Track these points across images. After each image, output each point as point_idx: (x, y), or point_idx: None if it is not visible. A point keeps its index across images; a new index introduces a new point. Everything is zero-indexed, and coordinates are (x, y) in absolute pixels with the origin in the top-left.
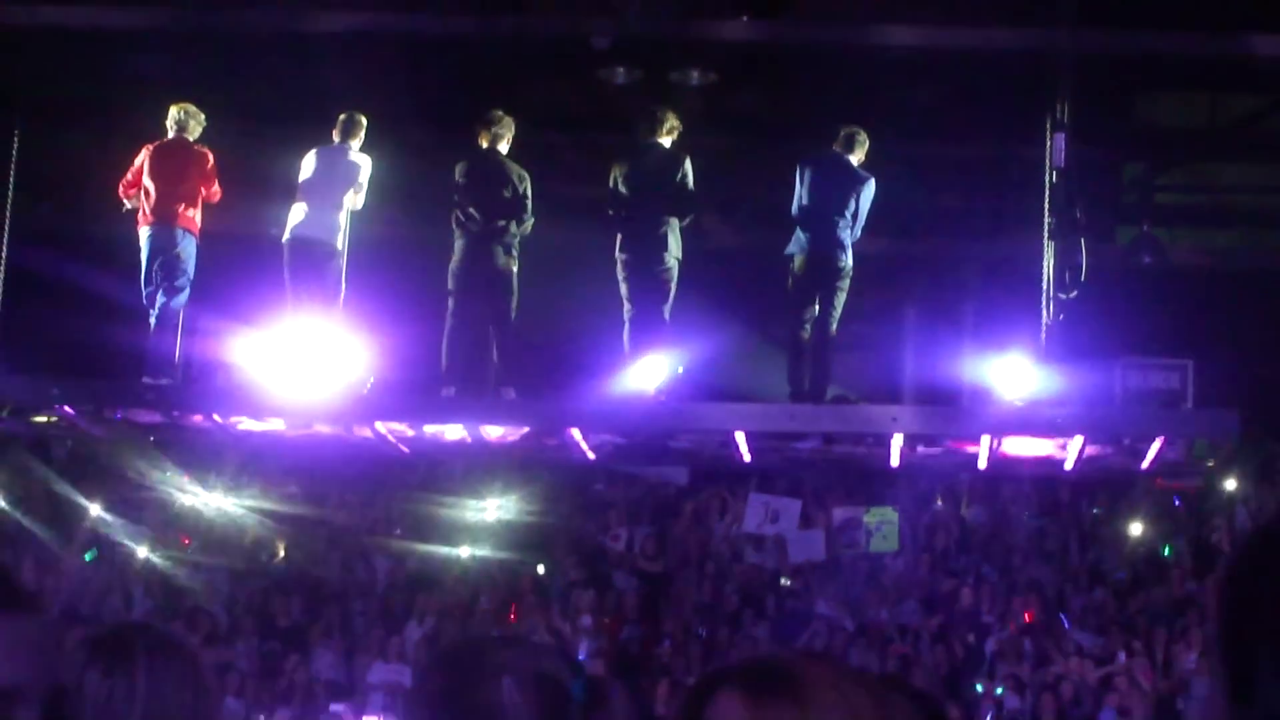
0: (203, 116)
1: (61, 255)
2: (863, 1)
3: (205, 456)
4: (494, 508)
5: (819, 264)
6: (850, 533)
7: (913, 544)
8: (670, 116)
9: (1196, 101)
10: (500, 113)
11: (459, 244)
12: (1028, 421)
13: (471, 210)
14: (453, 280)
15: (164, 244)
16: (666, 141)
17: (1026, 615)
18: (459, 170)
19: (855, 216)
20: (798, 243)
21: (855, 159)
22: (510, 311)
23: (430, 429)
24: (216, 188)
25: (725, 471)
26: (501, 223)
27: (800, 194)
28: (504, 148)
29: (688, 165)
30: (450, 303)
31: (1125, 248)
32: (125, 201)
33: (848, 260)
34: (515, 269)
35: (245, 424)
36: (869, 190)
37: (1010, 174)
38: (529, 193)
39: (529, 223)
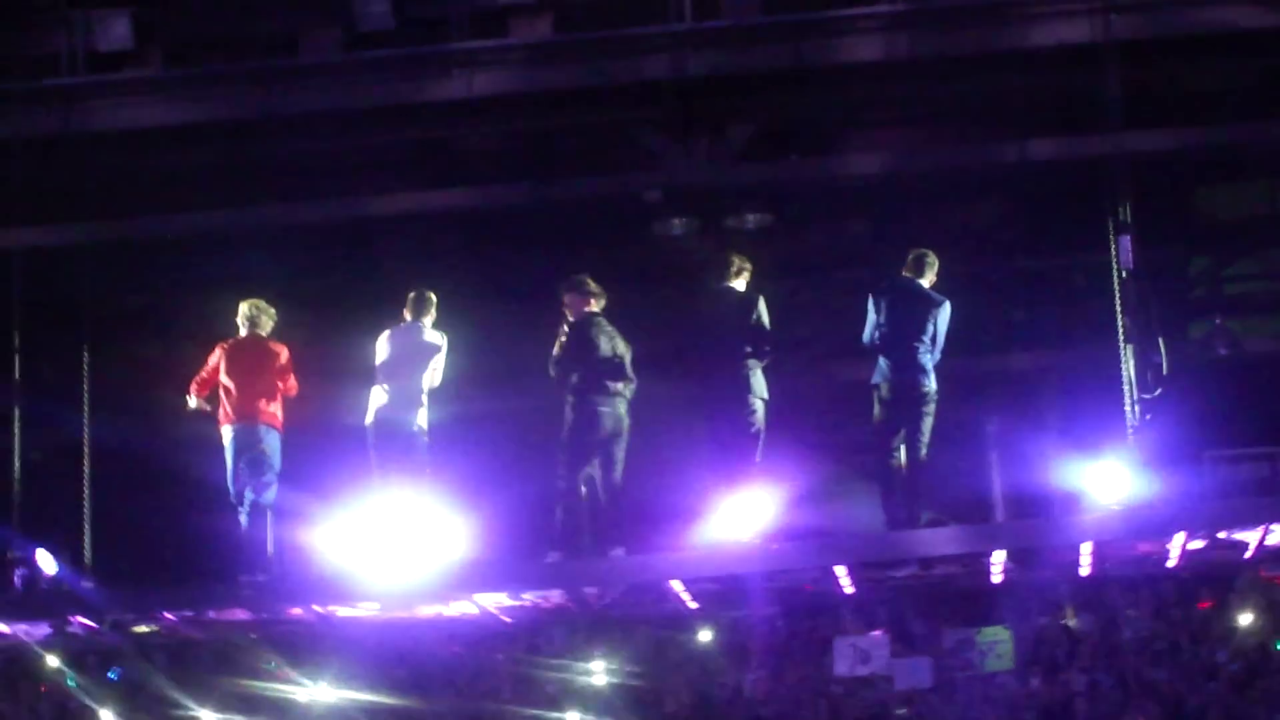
0: (273, 311)
1: (143, 463)
2: (911, 126)
3: (308, 649)
4: (600, 669)
5: (904, 391)
6: (964, 654)
7: (1021, 658)
8: (739, 259)
9: (1256, 189)
10: (586, 278)
11: (571, 408)
12: (1128, 524)
13: (580, 374)
14: (566, 444)
15: (249, 441)
16: (739, 285)
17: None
18: (566, 333)
19: (934, 340)
20: (880, 372)
21: (927, 282)
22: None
23: (529, 596)
24: (293, 381)
25: (825, 607)
26: (610, 384)
27: (878, 322)
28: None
29: (762, 306)
30: (562, 468)
31: (1199, 342)
32: (191, 400)
33: (931, 384)
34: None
35: (342, 612)
36: (945, 312)
37: (1076, 281)
38: (630, 356)
39: (633, 385)
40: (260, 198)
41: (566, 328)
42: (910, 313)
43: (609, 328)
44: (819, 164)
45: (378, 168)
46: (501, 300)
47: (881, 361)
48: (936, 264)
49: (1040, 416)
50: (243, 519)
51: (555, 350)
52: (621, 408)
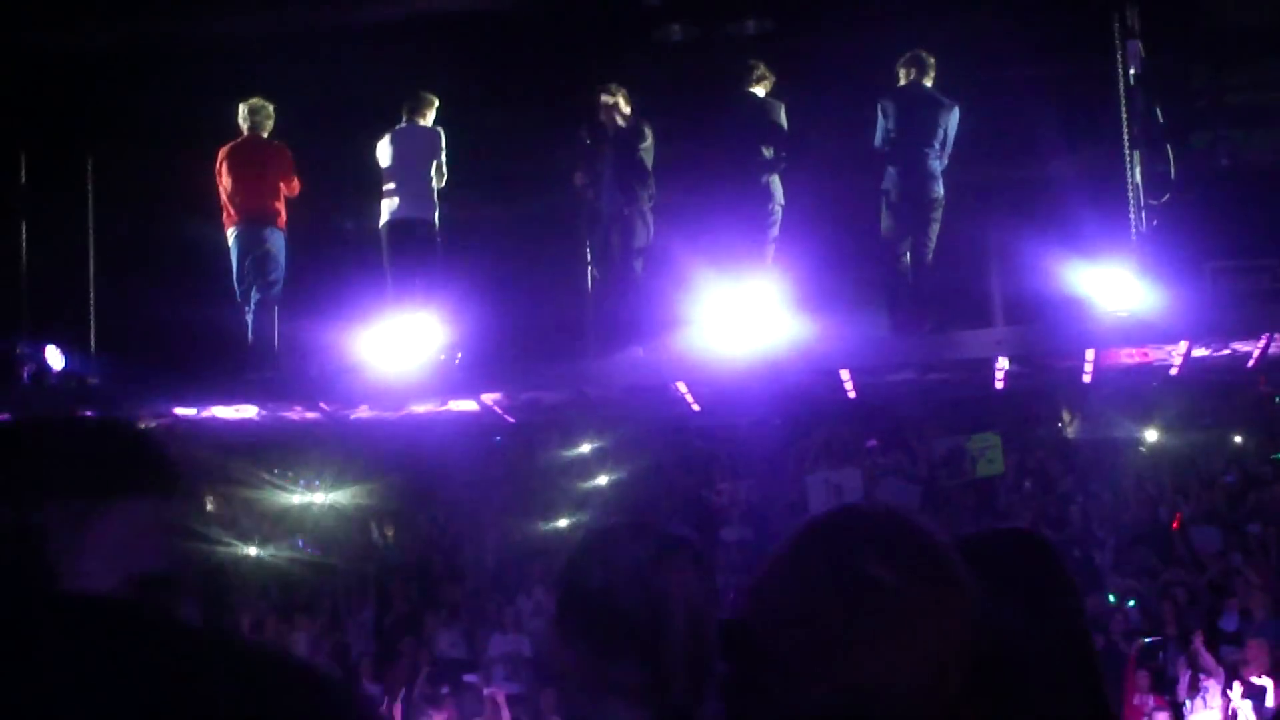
0: (272, 109)
1: (149, 262)
2: None
3: (311, 450)
4: (599, 472)
5: (913, 196)
6: (954, 463)
7: (1017, 468)
8: (762, 66)
9: None
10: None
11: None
12: (1132, 330)
13: (606, 180)
14: (592, 249)
15: (253, 242)
16: (760, 91)
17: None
18: (585, 135)
19: (944, 145)
20: (890, 178)
21: (929, 82)
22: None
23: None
24: (296, 182)
25: (830, 413)
26: (637, 189)
27: (886, 129)
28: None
29: (781, 113)
30: (593, 271)
31: (1202, 152)
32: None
33: (939, 189)
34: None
35: (349, 412)
36: (955, 116)
37: (1081, 88)
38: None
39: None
40: (263, 4)
41: (590, 138)
42: (920, 117)
43: (645, 130)
44: None
45: None
46: (501, 108)
47: (890, 168)
48: (933, 63)
49: (1042, 225)
50: (249, 317)
51: (583, 161)
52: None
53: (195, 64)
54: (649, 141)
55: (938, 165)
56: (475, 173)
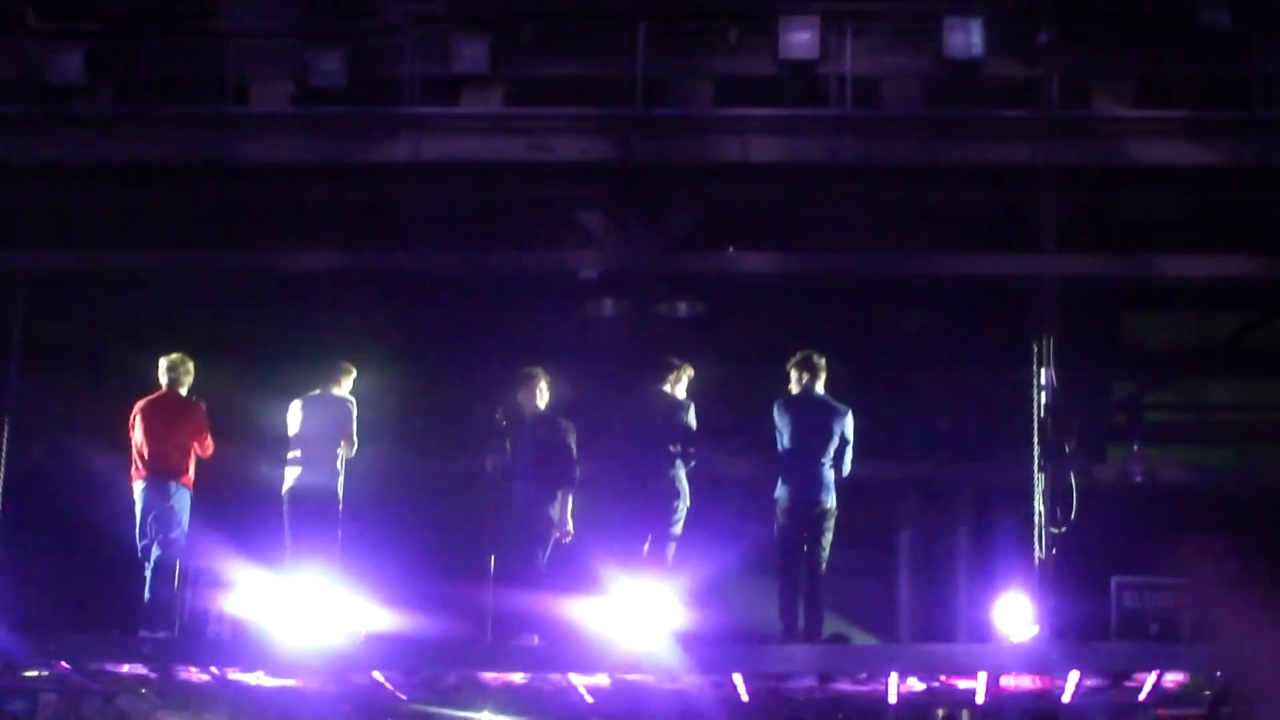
0: (192, 366)
1: (53, 500)
2: (850, 230)
3: (203, 709)
4: None
5: (804, 508)
6: None
7: None
8: (680, 365)
9: (1183, 320)
10: (538, 372)
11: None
12: (1026, 659)
13: (513, 460)
14: (498, 533)
15: (158, 496)
16: (678, 391)
17: None
18: (501, 415)
19: (839, 453)
20: (780, 487)
21: (821, 387)
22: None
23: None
24: (210, 441)
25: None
26: (557, 479)
27: (780, 438)
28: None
29: (692, 411)
30: (494, 556)
31: (1117, 467)
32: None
33: (831, 500)
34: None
35: (241, 676)
36: (850, 421)
37: (1001, 396)
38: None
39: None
40: (197, 242)
41: (506, 420)
42: (812, 426)
43: (565, 423)
44: (754, 258)
45: (317, 222)
46: (429, 364)
47: (781, 480)
48: (824, 365)
49: (951, 531)
50: (147, 574)
51: (495, 444)
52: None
53: (127, 296)
54: (570, 429)
55: (830, 475)
56: (390, 430)
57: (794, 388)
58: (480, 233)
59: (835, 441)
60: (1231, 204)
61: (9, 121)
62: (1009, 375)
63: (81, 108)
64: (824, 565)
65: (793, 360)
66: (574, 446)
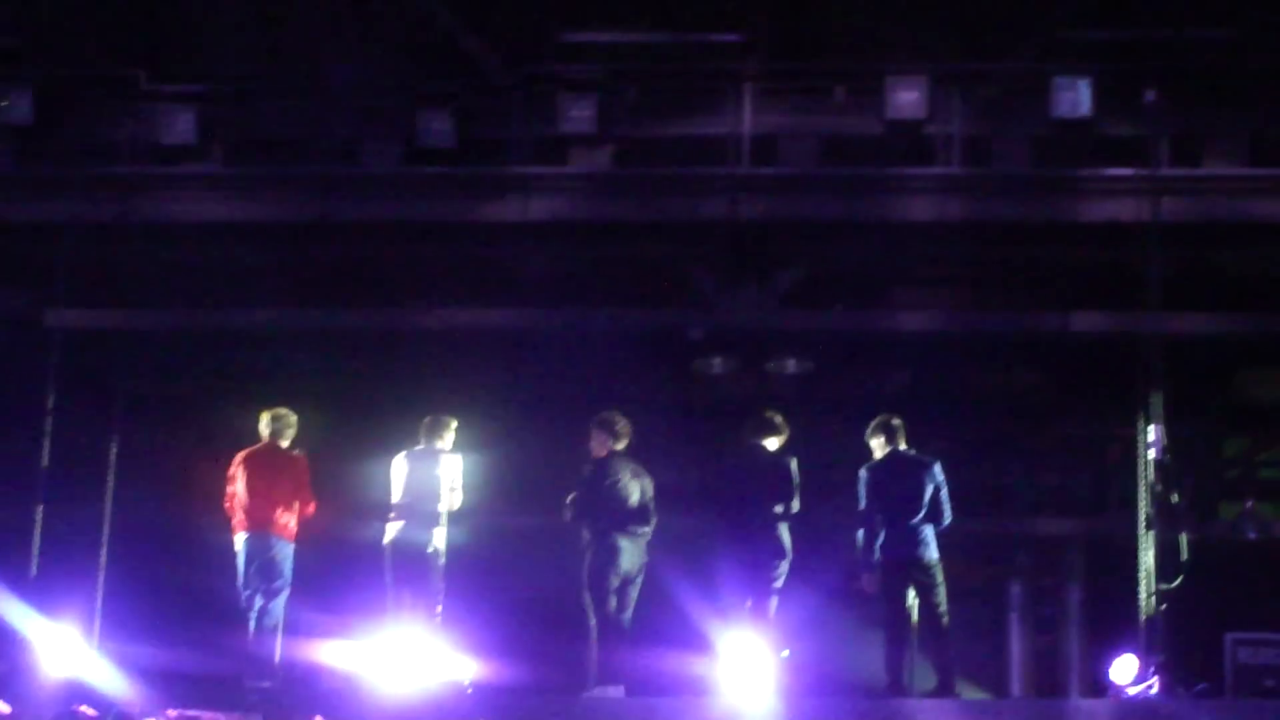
0: (294, 420)
1: (160, 555)
2: (957, 288)
3: None
4: None
5: (905, 565)
6: None
7: None
8: (780, 421)
9: None
10: (616, 415)
11: (598, 543)
12: (1140, 716)
13: (604, 511)
14: (590, 581)
15: (260, 549)
16: (775, 445)
17: None
18: (586, 471)
19: (934, 506)
20: (881, 549)
21: (904, 445)
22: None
23: None
24: (310, 497)
25: None
26: (631, 526)
27: (871, 503)
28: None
29: (794, 466)
30: (588, 600)
31: (1229, 523)
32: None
33: (934, 554)
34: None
35: None
36: (938, 472)
37: (1110, 452)
38: (651, 494)
39: (653, 523)
40: (306, 300)
41: (587, 466)
42: (904, 484)
43: (631, 465)
44: (863, 316)
45: (426, 281)
46: (535, 421)
47: (878, 537)
48: (901, 425)
49: (1064, 583)
50: (251, 625)
51: (576, 491)
52: (641, 546)
53: (235, 354)
54: (649, 486)
55: (929, 530)
56: (491, 484)
57: (877, 454)
58: (588, 291)
59: (928, 494)
60: None
61: (122, 182)
62: (1118, 431)
63: (192, 168)
64: (946, 618)
65: (870, 427)
66: (643, 491)
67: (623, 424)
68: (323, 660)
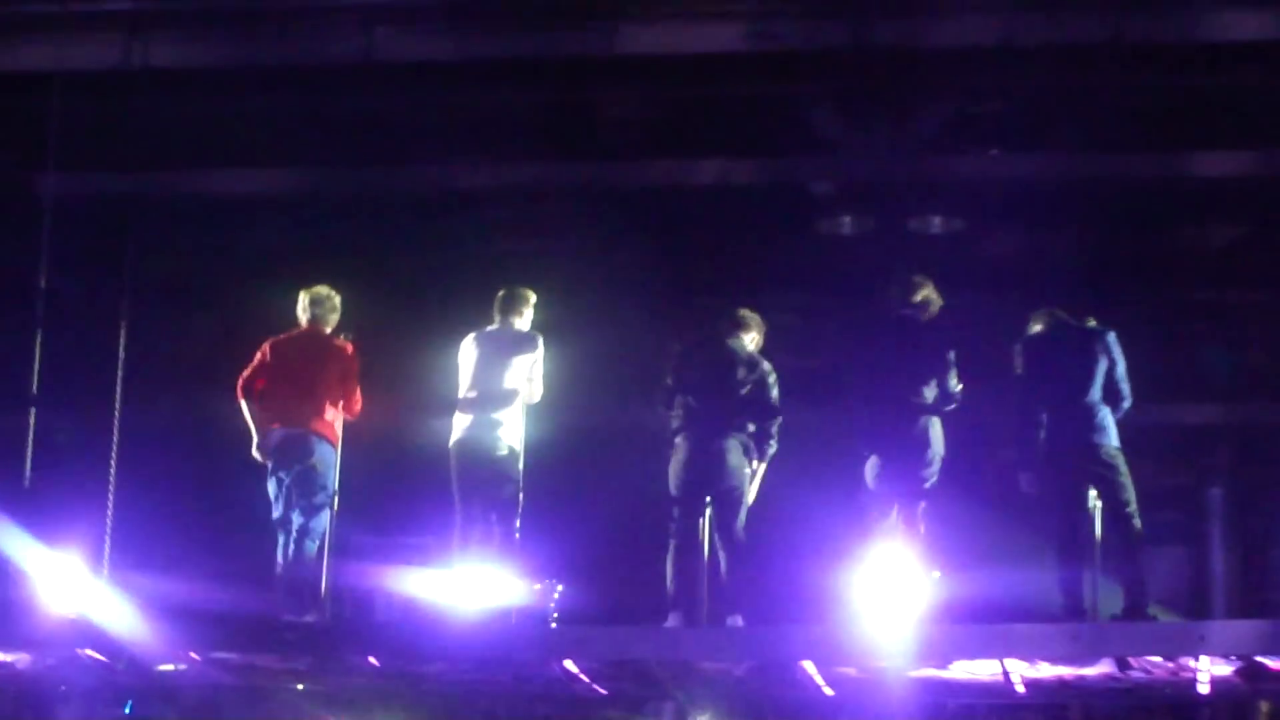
0: (338, 301)
1: (182, 466)
2: (1140, 125)
3: (368, 704)
4: None
5: (1079, 456)
6: None
7: None
8: (930, 287)
9: None
10: (748, 315)
11: (683, 441)
12: None
13: (697, 401)
14: (676, 486)
15: (297, 453)
16: (925, 313)
17: None
18: (680, 354)
19: (1111, 384)
20: (1046, 436)
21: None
22: (741, 523)
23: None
24: (358, 393)
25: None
26: (739, 417)
27: (1026, 383)
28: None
29: (952, 354)
30: (675, 511)
31: None
32: (243, 404)
33: (1115, 441)
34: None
35: (414, 668)
36: (1113, 342)
37: None
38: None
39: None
40: (349, 158)
41: (683, 348)
42: (1072, 358)
43: (759, 357)
44: (1023, 162)
45: (491, 131)
46: (626, 295)
47: (1041, 424)
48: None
49: (1275, 486)
50: (289, 548)
51: (670, 378)
52: (753, 450)
53: (261, 221)
54: (774, 382)
55: (1106, 413)
56: (578, 374)
57: (1037, 325)
58: (690, 139)
59: (1101, 370)
60: None
61: (123, 21)
62: None
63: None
64: (1136, 521)
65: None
66: (769, 385)
67: (756, 323)
68: (377, 589)
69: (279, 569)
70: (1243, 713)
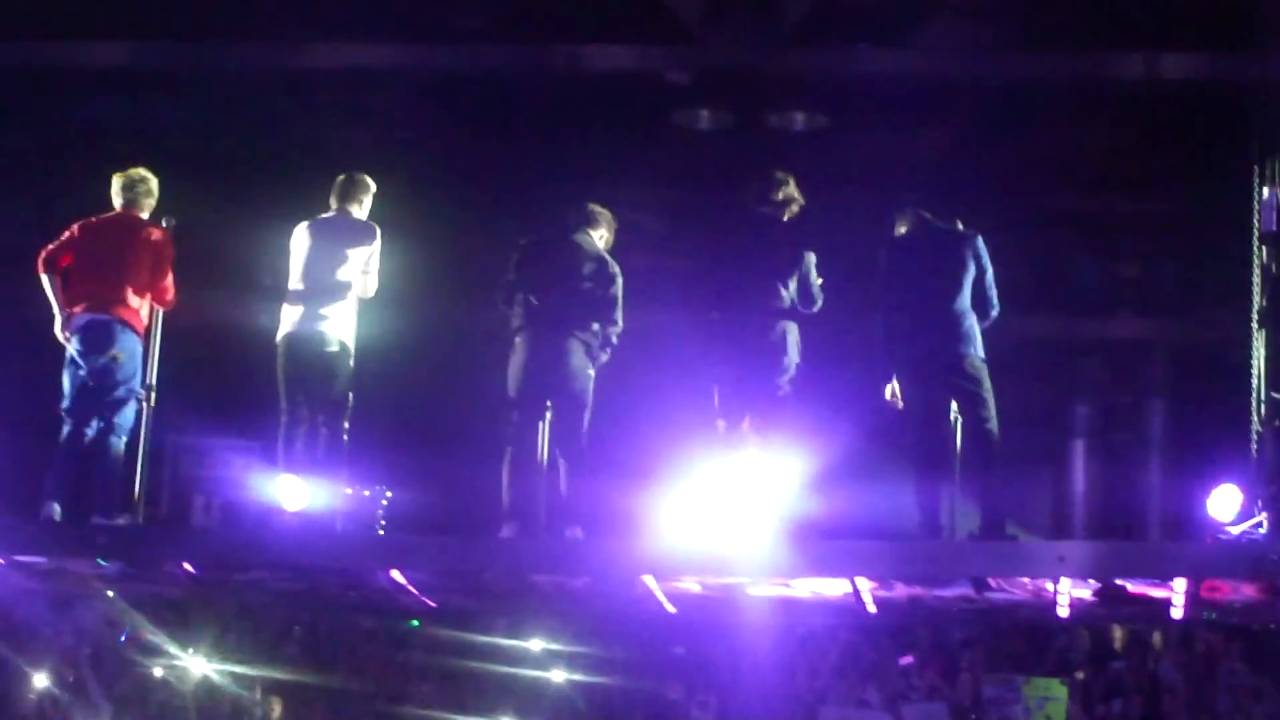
0: (154, 185)
1: None
2: (1017, 23)
3: (182, 611)
4: (555, 670)
5: (941, 365)
6: (1003, 709)
7: (1086, 714)
8: (790, 185)
9: None
10: (600, 211)
11: (523, 341)
12: (1242, 562)
13: (539, 299)
14: (515, 388)
15: (97, 339)
16: (785, 215)
17: None
18: (524, 248)
19: (978, 290)
20: (907, 345)
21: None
22: (583, 430)
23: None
24: (169, 280)
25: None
26: (583, 318)
27: (888, 289)
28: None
29: (811, 258)
30: (514, 415)
31: None
32: (44, 278)
33: (978, 351)
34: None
35: (233, 576)
36: (980, 246)
37: (1209, 231)
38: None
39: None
40: (173, 31)
41: (526, 243)
42: (936, 261)
43: (599, 248)
44: (891, 56)
45: (329, 9)
46: (467, 188)
47: (902, 333)
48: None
49: (1144, 401)
50: (75, 440)
51: (512, 273)
52: (596, 349)
53: (84, 99)
54: (618, 283)
55: (971, 322)
56: (413, 268)
57: (901, 227)
58: (539, 23)
59: (970, 274)
60: None
61: None
62: (1221, 204)
63: None
64: (995, 438)
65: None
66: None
67: (609, 220)
68: (194, 492)
69: (56, 458)
70: (1100, 637)
